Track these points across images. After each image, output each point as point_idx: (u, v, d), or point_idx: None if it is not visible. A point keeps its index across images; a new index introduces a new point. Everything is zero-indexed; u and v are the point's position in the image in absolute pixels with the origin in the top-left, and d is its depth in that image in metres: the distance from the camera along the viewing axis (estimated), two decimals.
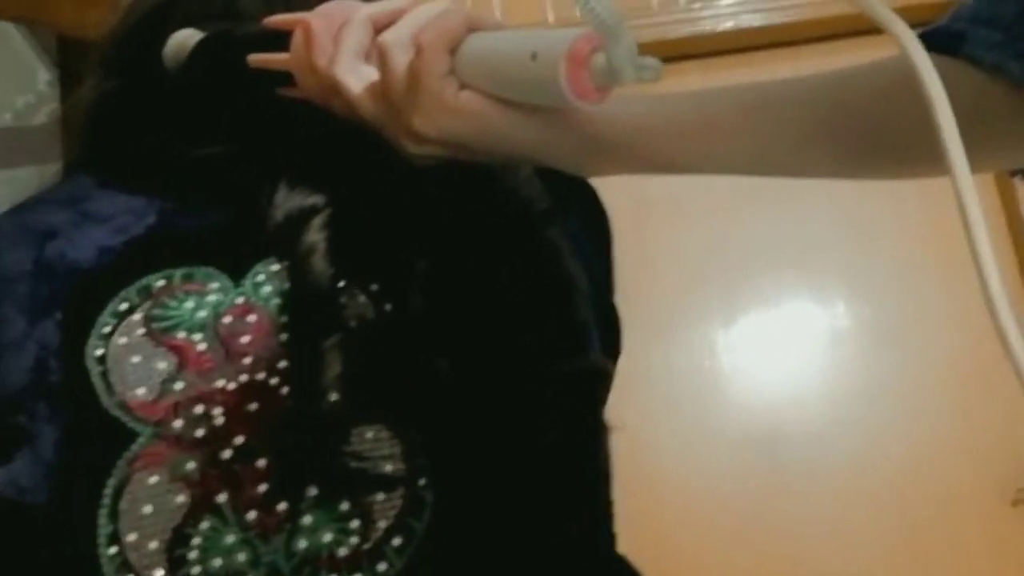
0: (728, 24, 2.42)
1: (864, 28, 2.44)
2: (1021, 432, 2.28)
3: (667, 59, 0.60)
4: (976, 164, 0.54)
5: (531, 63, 0.61)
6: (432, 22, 0.66)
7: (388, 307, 0.69)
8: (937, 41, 0.70)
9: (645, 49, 0.57)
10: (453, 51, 0.66)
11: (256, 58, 0.76)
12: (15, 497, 0.64)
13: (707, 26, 2.45)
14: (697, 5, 2.46)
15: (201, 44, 0.79)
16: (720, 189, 2.31)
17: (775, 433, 2.30)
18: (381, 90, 0.68)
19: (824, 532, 2.25)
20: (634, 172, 0.73)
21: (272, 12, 0.78)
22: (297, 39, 0.73)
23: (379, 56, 0.67)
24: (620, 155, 0.71)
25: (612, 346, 0.78)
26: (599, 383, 0.72)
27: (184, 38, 0.80)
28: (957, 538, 2.22)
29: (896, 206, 2.37)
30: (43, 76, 2.89)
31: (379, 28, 0.69)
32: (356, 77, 0.69)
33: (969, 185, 0.53)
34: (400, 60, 0.66)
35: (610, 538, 0.71)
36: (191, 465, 0.63)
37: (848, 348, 2.37)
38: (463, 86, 0.66)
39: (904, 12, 0.56)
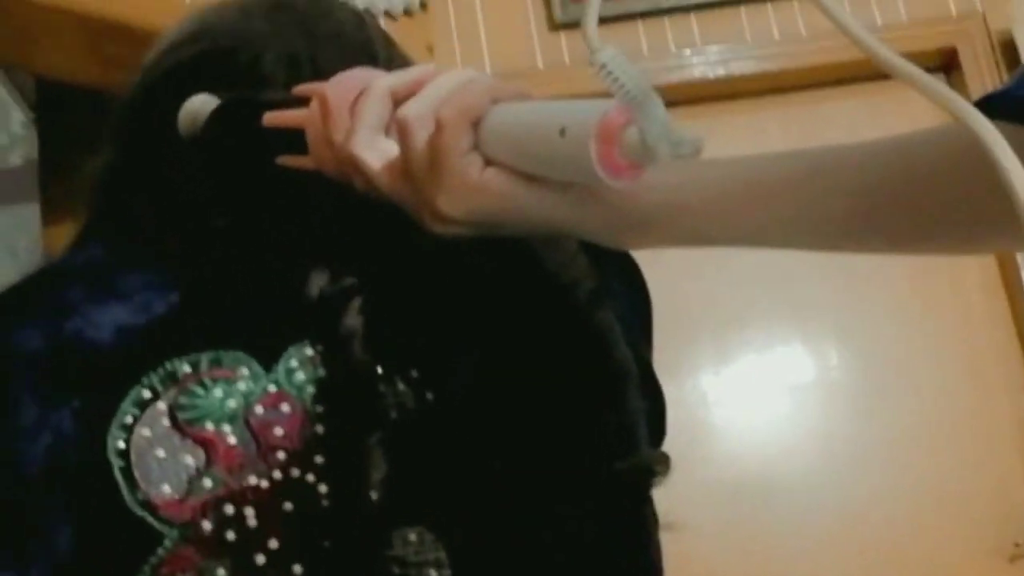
0: (719, 71, 2.41)
1: (854, 76, 2.46)
2: (1016, 486, 2.26)
3: None
4: None
5: (559, 139, 0.56)
6: (454, 95, 0.61)
7: (429, 396, 0.64)
8: (1003, 107, 0.66)
9: None
10: (476, 124, 0.61)
11: (271, 116, 0.71)
12: None
13: (697, 73, 2.43)
14: (687, 51, 2.44)
15: (219, 111, 0.74)
16: None
17: (767, 485, 2.27)
18: (401, 167, 0.63)
19: None
20: (673, 246, 0.68)
21: (299, 76, 0.74)
22: (313, 110, 0.68)
23: (399, 131, 0.63)
24: (658, 230, 0.65)
25: (659, 430, 0.74)
26: (649, 479, 0.68)
27: (200, 104, 0.75)
28: None
29: (885, 255, 2.35)
30: (17, 117, 2.84)
31: (399, 100, 0.64)
32: (375, 153, 0.64)
33: None
34: (421, 136, 0.61)
35: None
36: (222, 571, 0.59)
37: (840, 400, 2.34)
38: (488, 161, 0.61)
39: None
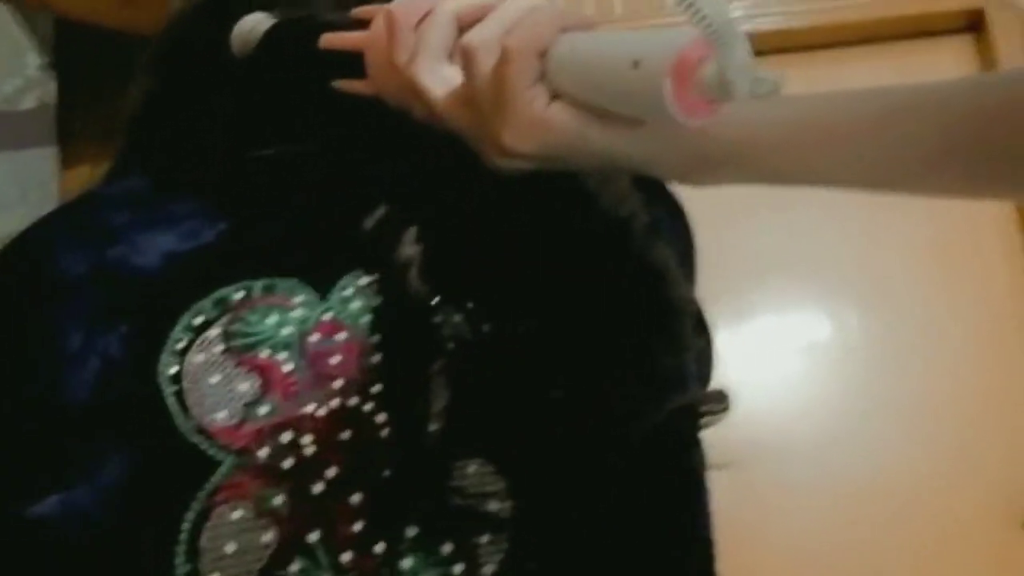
0: (744, 27, 2.36)
1: (880, 35, 2.43)
2: None
3: None
4: None
5: (632, 72, 0.54)
6: (521, 22, 0.59)
7: (486, 328, 0.63)
8: None
9: None
10: (543, 55, 0.58)
11: (330, 37, 0.69)
12: (76, 529, 0.58)
13: None
14: None
15: (274, 29, 0.72)
16: (730, 196, 2.25)
17: (781, 445, 2.26)
18: (464, 97, 0.61)
19: (828, 547, 2.22)
20: (744, 183, 0.67)
21: (347, 6, 0.72)
22: (376, 30, 0.66)
23: (463, 59, 0.60)
24: (731, 168, 0.64)
25: (708, 372, 0.73)
26: (706, 416, 0.67)
27: (255, 23, 0.73)
28: (964, 559, 2.19)
29: (906, 219, 2.34)
30: (33, 60, 2.81)
31: (464, 25, 0.62)
32: (438, 80, 0.62)
33: None
34: (486, 65, 0.59)
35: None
36: (279, 499, 0.57)
37: (857, 362, 2.33)
38: (555, 94, 0.59)
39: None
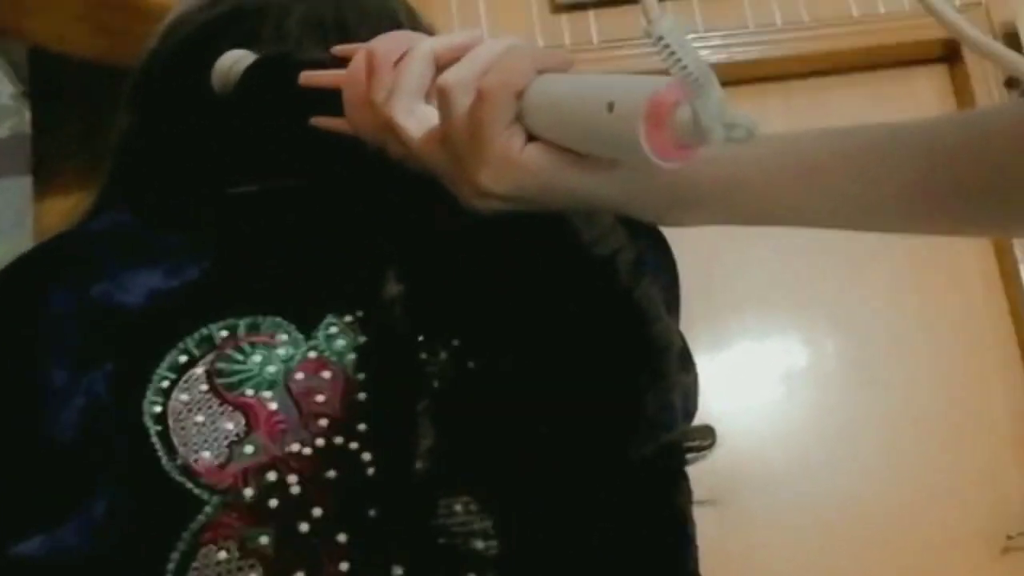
0: (720, 56, 2.39)
1: (857, 65, 2.45)
2: (1010, 478, 2.27)
3: None
4: None
5: (606, 115, 0.53)
6: (497, 63, 0.59)
7: (471, 365, 0.63)
8: None
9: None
10: (520, 95, 0.58)
11: (309, 75, 0.69)
12: (61, 568, 0.58)
13: None
14: (688, 37, 2.42)
15: (254, 67, 0.72)
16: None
17: (761, 471, 2.27)
18: (441, 136, 0.61)
19: (812, 572, 2.22)
20: (724, 224, 0.67)
21: (325, 41, 0.72)
22: (356, 67, 0.66)
23: (439, 99, 0.60)
24: (710, 208, 0.64)
25: (693, 405, 0.73)
26: (693, 452, 0.67)
27: (235, 60, 0.73)
28: None
29: (882, 241, 2.35)
30: (6, 89, 2.80)
31: (442, 65, 0.62)
32: (415, 119, 0.62)
33: None
34: (461, 105, 0.59)
35: None
36: (265, 539, 0.57)
37: (835, 388, 2.34)
38: (531, 136, 0.58)
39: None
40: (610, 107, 0.53)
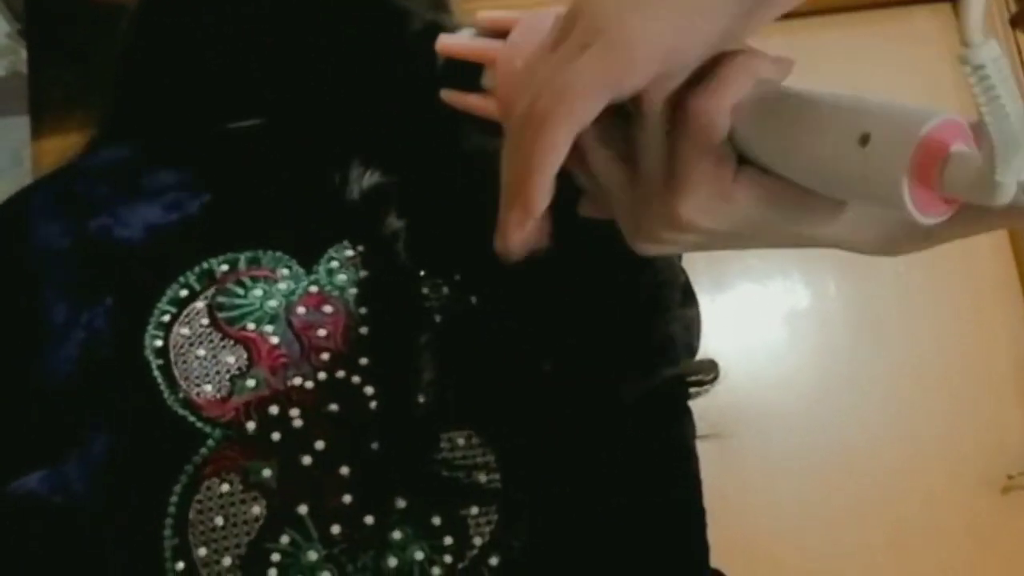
0: None
1: (858, 3, 2.42)
2: (1011, 419, 2.28)
3: None
4: None
5: (855, 150, 0.43)
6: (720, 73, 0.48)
7: (473, 300, 0.63)
8: None
9: None
10: (734, 109, 0.48)
11: (450, 44, 0.60)
12: (62, 504, 0.57)
13: None
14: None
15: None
16: None
17: (762, 413, 2.27)
18: (628, 153, 0.50)
19: (809, 516, 2.24)
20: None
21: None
22: (519, 43, 0.55)
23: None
24: (941, 240, 0.52)
25: (695, 342, 0.73)
26: (696, 386, 0.67)
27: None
28: (945, 524, 2.21)
29: None
30: (2, 28, 2.78)
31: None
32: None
33: None
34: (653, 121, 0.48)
35: (704, 548, 0.66)
36: (267, 472, 0.57)
37: (837, 331, 2.34)
38: (742, 159, 0.48)
39: None
40: (863, 140, 0.43)
